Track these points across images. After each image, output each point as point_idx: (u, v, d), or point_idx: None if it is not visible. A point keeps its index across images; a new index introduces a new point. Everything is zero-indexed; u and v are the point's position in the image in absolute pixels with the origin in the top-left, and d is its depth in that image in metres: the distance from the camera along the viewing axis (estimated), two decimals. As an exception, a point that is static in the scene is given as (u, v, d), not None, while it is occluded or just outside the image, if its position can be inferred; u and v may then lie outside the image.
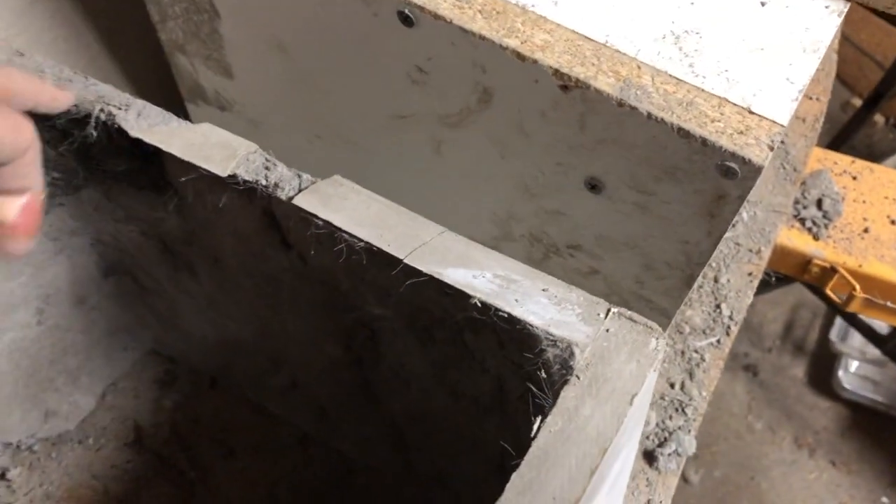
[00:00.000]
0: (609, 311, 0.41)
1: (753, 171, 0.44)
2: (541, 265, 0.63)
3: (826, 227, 0.97)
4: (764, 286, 1.62)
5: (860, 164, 1.04)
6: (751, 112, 0.45)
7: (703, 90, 0.46)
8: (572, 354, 0.40)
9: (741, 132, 0.44)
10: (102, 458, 0.73)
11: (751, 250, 0.82)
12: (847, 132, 1.76)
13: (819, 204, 0.97)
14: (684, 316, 0.78)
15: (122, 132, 0.51)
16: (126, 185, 0.60)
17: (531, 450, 0.37)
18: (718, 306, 0.79)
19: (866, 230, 0.98)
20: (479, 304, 0.42)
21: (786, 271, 1.03)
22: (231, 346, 0.71)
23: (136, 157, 0.55)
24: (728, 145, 0.44)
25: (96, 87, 0.53)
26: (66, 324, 0.69)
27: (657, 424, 0.73)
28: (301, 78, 0.61)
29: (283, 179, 0.48)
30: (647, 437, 0.72)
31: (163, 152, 0.52)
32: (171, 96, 0.76)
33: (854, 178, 1.02)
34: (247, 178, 0.48)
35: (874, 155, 2.24)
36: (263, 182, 0.48)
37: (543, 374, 0.40)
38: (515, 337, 0.43)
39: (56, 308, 0.68)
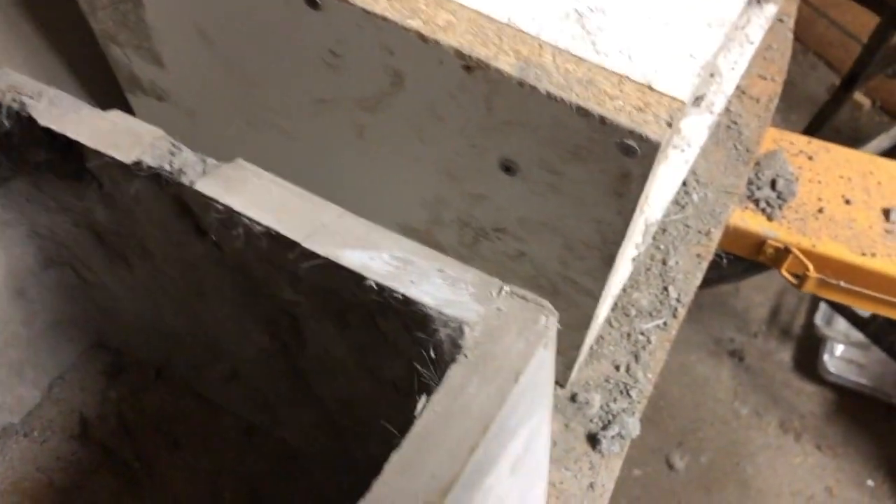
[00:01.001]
0: (502, 289, 0.41)
1: (652, 148, 0.44)
2: (472, 249, 0.63)
3: (780, 207, 0.96)
4: (721, 268, 1.62)
5: (816, 144, 1.03)
6: (651, 89, 0.45)
7: (603, 68, 0.46)
8: (462, 333, 0.40)
9: (640, 109, 0.44)
10: (48, 450, 0.73)
11: (700, 231, 0.82)
12: (825, 114, 1.75)
13: (773, 184, 0.96)
14: (630, 298, 0.78)
15: (33, 121, 0.51)
16: (51, 175, 0.59)
17: (412, 429, 0.37)
18: (666, 289, 0.79)
19: (821, 210, 0.97)
20: (374, 286, 0.42)
21: (739, 252, 1.02)
22: (170, 337, 0.71)
23: (53, 147, 0.55)
24: (626, 123, 0.44)
25: (8, 77, 0.53)
26: (5, 317, 0.69)
27: (601, 407, 0.73)
28: (225, 65, 0.61)
29: (188, 164, 0.48)
30: (591, 420, 0.72)
31: (75, 142, 0.52)
32: (113, 87, 0.76)
33: (810, 158, 1.02)
34: (151, 164, 0.48)
35: (860, 139, 2.23)
36: (167, 168, 0.48)
37: (432, 354, 0.40)
38: (412, 319, 0.43)
39: (-6, 301, 0.68)
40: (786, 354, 2.06)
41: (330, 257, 0.43)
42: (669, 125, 0.44)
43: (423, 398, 0.38)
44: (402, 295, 0.42)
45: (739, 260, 1.84)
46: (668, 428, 1.94)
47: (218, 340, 0.66)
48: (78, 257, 0.69)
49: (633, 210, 0.49)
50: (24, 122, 0.52)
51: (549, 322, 0.40)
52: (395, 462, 0.36)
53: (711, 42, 0.47)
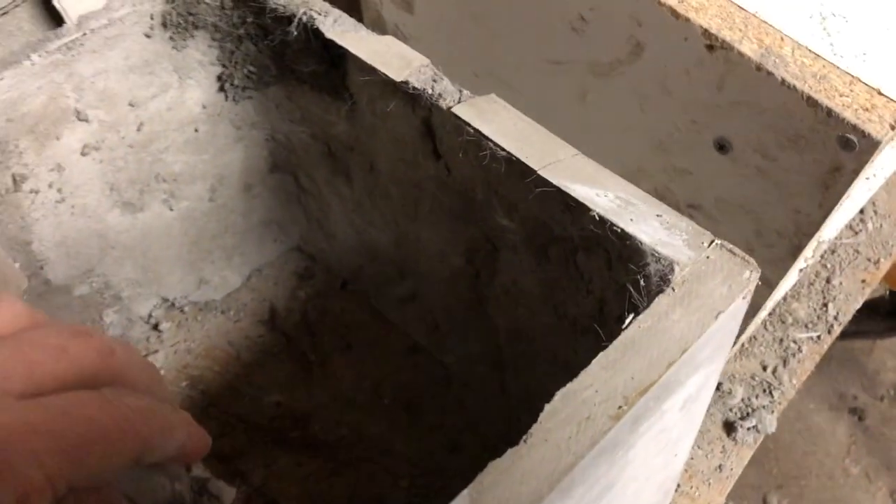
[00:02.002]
0: (713, 241, 0.47)
1: (871, 145, 0.48)
2: (659, 222, 0.68)
3: (954, 255, 0.96)
4: (859, 322, 1.60)
5: None
6: (880, 93, 0.49)
7: (837, 67, 0.50)
8: (672, 271, 0.45)
9: (866, 109, 0.48)
10: (239, 328, 0.83)
11: (869, 259, 0.84)
12: None
13: (950, 231, 0.96)
14: (789, 307, 0.81)
15: (318, 34, 0.60)
16: (308, 87, 0.68)
17: (619, 337, 0.43)
18: (826, 305, 0.81)
19: None
20: (596, 218, 0.48)
21: (903, 290, 1.02)
22: (367, 252, 0.80)
23: (323, 61, 0.64)
24: (851, 118, 0.48)
25: (302, -6, 0.62)
26: (231, 205, 0.80)
27: (742, 400, 0.76)
28: (474, 18, 0.68)
29: (446, 92, 0.55)
30: (730, 409, 0.76)
31: (347, 58, 0.61)
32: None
33: None
34: (416, 85, 0.55)
35: None
36: (429, 91, 0.55)
37: (643, 282, 0.46)
38: (624, 255, 0.49)
39: (226, 189, 0.78)
40: (910, 424, 2.00)
41: (562, 187, 0.49)
42: (892, 127, 0.48)
43: (630, 316, 0.44)
44: (622, 229, 0.47)
45: (884, 317, 1.80)
46: (772, 469, 1.92)
47: (411, 260, 0.74)
48: (303, 167, 0.78)
49: (834, 205, 0.53)
50: (309, 34, 0.61)
51: (751, 276, 0.45)
52: (602, 359, 0.42)
53: (944, 62, 0.51)
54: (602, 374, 0.42)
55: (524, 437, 0.40)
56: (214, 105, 0.72)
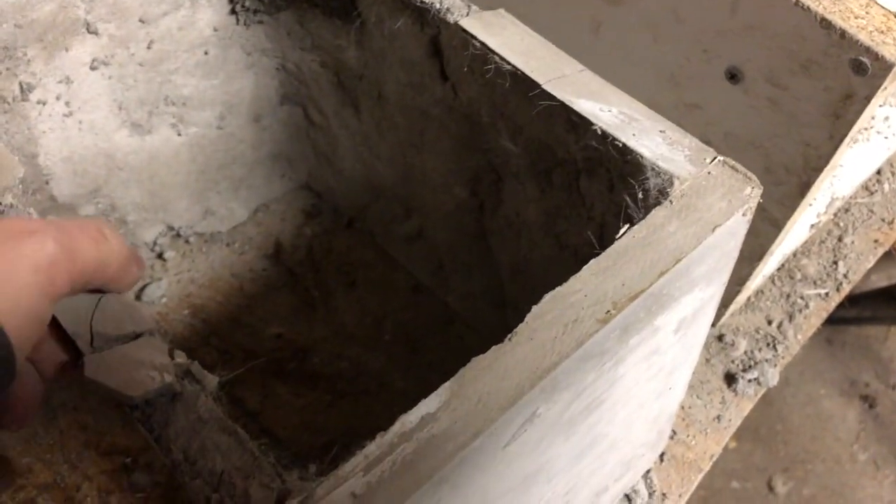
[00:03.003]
0: (716, 158, 0.46)
1: (884, 68, 0.47)
2: (667, 162, 0.67)
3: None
4: (876, 307, 1.58)
5: None
6: (896, 17, 0.48)
7: (854, -10, 0.49)
8: (671, 185, 0.45)
9: (881, 31, 0.47)
10: (244, 261, 0.83)
11: (883, 220, 0.83)
12: None
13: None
14: (798, 263, 0.80)
15: (327, -50, 0.59)
16: (320, 11, 0.68)
17: (612, 246, 0.42)
18: (836, 262, 0.80)
19: None
20: (599, 133, 0.48)
21: (917, 255, 1.01)
22: (374, 188, 0.79)
23: (333, -20, 0.63)
24: (865, 40, 0.47)
25: None
26: (240, 135, 0.79)
27: (745, 352, 0.76)
28: (489, -53, 0.67)
29: (454, 6, 0.54)
30: (732, 361, 0.75)
31: (357, -24, 0.60)
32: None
33: None
34: (424, -1, 0.55)
35: None
36: (437, 5, 0.54)
37: (640, 196, 0.45)
38: (625, 172, 0.48)
39: (235, 119, 0.78)
40: (922, 414, 1.98)
41: (565, 101, 0.49)
42: (907, 51, 0.46)
43: (626, 226, 0.43)
44: (623, 143, 0.47)
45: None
46: (778, 451, 1.90)
47: (417, 195, 0.74)
48: (313, 98, 0.78)
49: (844, 136, 0.52)
50: (319, -49, 0.61)
51: (753, 193, 0.44)
52: (593, 266, 0.42)
53: (966, -11, 0.49)
54: (592, 279, 0.41)
55: (509, 336, 0.40)
56: (226, 28, 0.71)
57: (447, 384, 0.38)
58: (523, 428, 0.40)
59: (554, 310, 0.40)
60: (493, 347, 0.40)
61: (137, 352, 0.40)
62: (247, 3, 0.70)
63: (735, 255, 0.48)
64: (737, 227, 0.44)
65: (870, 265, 0.81)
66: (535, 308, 0.41)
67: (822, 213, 0.78)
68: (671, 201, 0.44)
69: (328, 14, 0.67)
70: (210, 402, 0.38)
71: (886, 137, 0.82)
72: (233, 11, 0.70)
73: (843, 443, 1.92)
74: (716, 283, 0.48)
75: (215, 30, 0.71)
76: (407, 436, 0.36)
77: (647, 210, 0.44)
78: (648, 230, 0.43)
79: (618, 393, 0.47)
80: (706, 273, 0.46)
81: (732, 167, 0.45)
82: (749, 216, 0.45)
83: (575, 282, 0.41)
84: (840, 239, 0.82)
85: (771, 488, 1.86)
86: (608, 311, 0.40)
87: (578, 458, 0.50)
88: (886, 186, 0.85)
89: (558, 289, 0.41)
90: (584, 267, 0.42)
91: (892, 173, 0.86)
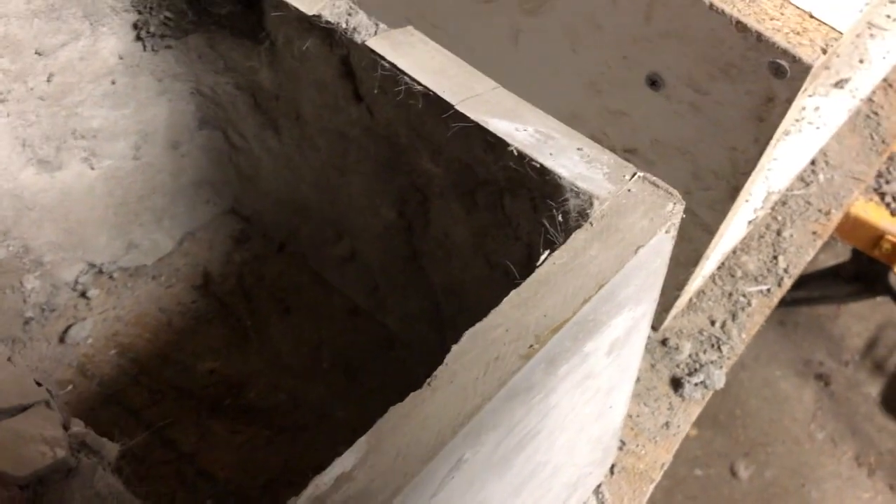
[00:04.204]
0: (635, 174, 0.44)
1: (803, 71, 0.45)
2: (597, 170, 0.65)
3: (906, 206, 0.94)
4: (825, 287, 1.60)
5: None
6: (811, 16, 0.47)
7: (768, -10, 0.48)
8: (591, 205, 0.43)
9: (797, 32, 0.46)
10: (171, 294, 0.80)
11: (820, 210, 0.82)
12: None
13: (903, 182, 0.95)
14: (738, 260, 0.79)
15: (228, -29, 0.57)
16: (228, 32, 0.65)
17: (533, 275, 0.40)
18: (776, 257, 0.79)
19: (949, 216, 0.95)
20: (515, 153, 0.45)
21: (855, 243, 1.01)
22: (300, 211, 0.76)
23: (238, 1, 0.60)
24: (782, 42, 0.45)
25: (213, -71, 0.58)
26: (158, 164, 0.76)
27: (689, 355, 0.74)
28: (401, -42, 0.65)
29: (362, 25, 0.52)
30: (677, 365, 0.74)
31: (262, -4, 0.57)
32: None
33: (948, 166, 0.99)
34: (330, 18, 0.52)
35: None
36: (343, 25, 0.52)
37: (560, 218, 0.43)
38: (545, 192, 0.46)
39: (152, 147, 0.75)
40: (874, 388, 2.00)
41: (479, 122, 0.46)
42: (824, 51, 0.45)
43: (546, 252, 0.42)
44: (540, 164, 0.45)
45: (847, 281, 1.80)
46: (738, 436, 1.92)
47: (345, 217, 0.71)
48: (231, 121, 0.75)
49: (769, 139, 0.50)
50: (220, -28, 0.58)
51: (675, 209, 0.42)
52: (513, 298, 0.39)
53: (880, -16, 0.48)
54: (513, 312, 0.39)
55: (428, 380, 0.38)
56: (132, 55, 0.68)
57: (363, 438, 0.36)
58: (450, 475, 0.38)
59: (474, 349, 0.38)
60: (412, 395, 0.37)
61: (25, 425, 0.37)
62: (152, 29, 0.66)
63: (663, 271, 0.46)
64: (661, 245, 0.43)
65: (809, 258, 0.80)
66: (454, 347, 0.38)
67: (759, 207, 0.77)
68: (591, 223, 0.42)
69: (237, 35, 0.64)
70: (109, 475, 0.36)
71: (818, 128, 0.81)
72: (138, 38, 0.67)
73: (800, 423, 1.94)
74: (645, 301, 0.46)
75: (121, 58, 0.67)
76: (321, 500, 0.34)
77: (568, 233, 0.42)
78: (569, 255, 0.41)
79: (553, 422, 0.46)
80: (634, 293, 0.44)
81: (653, 183, 0.43)
82: (673, 233, 0.43)
83: (495, 316, 0.39)
84: (779, 233, 0.81)
85: (734, 473, 1.87)
86: (531, 346, 0.38)
87: (518, 491, 0.48)
88: (822, 177, 0.84)
89: (478, 325, 0.39)
90: (504, 299, 0.40)
91: (826, 163, 0.85)
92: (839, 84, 0.83)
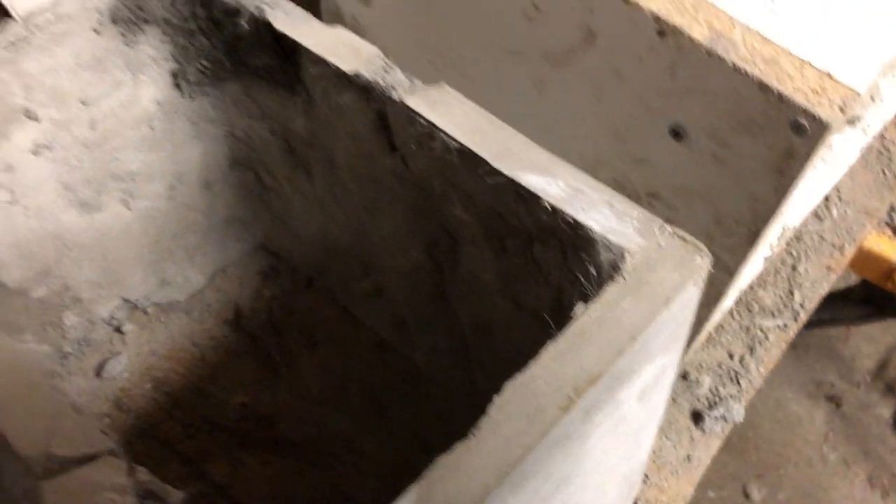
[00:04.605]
0: (664, 227, 0.46)
1: (822, 128, 0.47)
2: (620, 212, 0.67)
3: (918, 239, 0.96)
4: (835, 310, 1.61)
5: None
6: (830, 77, 0.49)
7: (788, 51, 0.50)
8: (623, 259, 0.45)
9: (816, 92, 0.48)
10: (204, 329, 0.82)
11: (834, 245, 0.84)
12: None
13: (915, 216, 0.97)
14: (755, 295, 0.81)
15: (268, 27, 0.59)
16: (264, 82, 0.68)
17: (569, 328, 0.43)
18: (791, 292, 0.81)
19: (960, 249, 0.97)
20: (548, 207, 0.48)
21: (868, 276, 1.03)
22: (330, 249, 0.79)
23: (276, 54, 0.63)
24: (802, 102, 0.48)
25: (252, -13, 0.61)
26: (192, 203, 0.79)
27: (710, 389, 0.76)
28: (429, 8, 0.68)
29: (398, 82, 0.54)
30: (698, 399, 0.76)
31: (299, 50, 0.60)
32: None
33: (959, 200, 1.01)
34: (367, 76, 0.55)
35: None
36: (381, 82, 0.54)
37: (594, 271, 0.45)
38: (577, 243, 0.48)
39: (186, 188, 0.77)
40: (886, 410, 2.01)
41: (513, 177, 0.49)
42: (842, 111, 0.47)
43: (580, 305, 0.44)
44: (573, 218, 0.47)
45: (857, 304, 1.81)
46: (751, 458, 1.93)
47: (374, 256, 0.73)
48: (264, 163, 0.77)
49: (789, 189, 0.53)
50: (259, 27, 0.60)
51: (703, 263, 0.45)
52: (551, 350, 0.42)
53: (894, 45, 0.51)
54: (551, 364, 0.41)
55: (472, 431, 0.40)
56: (170, 102, 0.70)
57: (414, 488, 0.38)
58: (492, 521, 0.40)
59: (516, 400, 0.40)
60: (458, 445, 0.39)
61: (96, 474, 0.39)
62: (189, 77, 0.69)
63: (691, 320, 0.48)
64: (689, 297, 0.45)
65: (824, 292, 0.82)
66: (496, 399, 0.41)
67: (775, 244, 0.79)
68: (624, 276, 0.44)
69: (273, 85, 0.67)
70: (174, 522, 0.38)
71: (832, 165, 0.84)
72: (176, 85, 0.70)
73: (812, 444, 1.95)
74: (674, 349, 0.48)
75: (159, 104, 0.70)
76: (376, 547, 0.36)
77: (601, 285, 0.45)
78: (603, 308, 0.43)
79: (586, 466, 0.48)
80: (664, 343, 0.46)
81: (681, 237, 0.46)
82: (701, 285, 0.45)
83: (535, 369, 0.41)
84: (794, 268, 0.83)
85: (747, 495, 1.88)
86: (570, 398, 0.40)
87: (551, 530, 0.50)
88: (835, 212, 0.86)
89: (518, 377, 0.41)
90: (542, 351, 0.42)
91: (840, 199, 0.87)
92: (852, 122, 0.86)
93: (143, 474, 0.39)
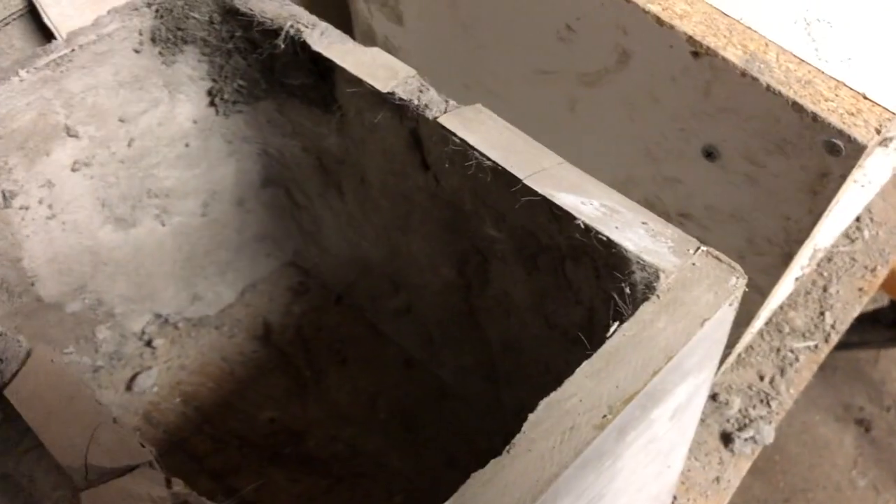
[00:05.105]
0: (699, 248, 0.46)
1: (857, 149, 0.47)
2: (651, 232, 0.67)
3: (952, 262, 0.95)
4: (864, 333, 1.59)
5: None
6: (865, 97, 0.49)
7: (822, 72, 0.50)
8: (658, 278, 0.45)
9: (852, 113, 0.48)
10: (233, 344, 0.83)
11: (866, 267, 0.83)
12: None
13: (948, 239, 0.96)
14: (786, 316, 0.80)
15: (305, 47, 0.60)
16: (298, 100, 0.69)
17: (604, 346, 0.43)
18: (823, 313, 0.81)
19: None
20: (582, 226, 0.48)
21: (900, 298, 1.02)
22: (360, 265, 0.79)
23: (312, 73, 0.64)
24: (837, 123, 0.48)
25: (290, 7, 0.62)
26: (224, 220, 0.80)
27: (739, 410, 0.76)
28: (463, 29, 0.69)
29: (433, 102, 0.55)
30: (727, 420, 0.75)
31: (335, 70, 0.61)
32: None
33: None
34: (403, 96, 0.55)
35: None
36: (416, 102, 0.55)
37: (628, 290, 0.45)
38: (610, 262, 0.48)
39: (219, 204, 0.78)
40: (917, 435, 1.98)
41: (547, 196, 0.49)
42: (878, 132, 0.47)
43: (615, 324, 0.44)
44: (607, 237, 0.47)
45: (887, 327, 1.79)
46: (778, 482, 1.90)
47: (404, 273, 0.74)
48: (296, 180, 0.78)
49: (824, 210, 0.53)
50: (296, 47, 0.61)
51: (738, 283, 0.45)
52: (586, 368, 0.42)
53: (931, 66, 0.51)
54: (586, 382, 0.41)
55: (507, 448, 0.40)
56: (205, 120, 0.72)
57: (449, 502, 0.38)
58: (526, 539, 0.40)
59: (550, 418, 0.40)
60: (493, 462, 0.39)
61: (134, 485, 0.39)
62: (225, 95, 0.70)
63: (724, 340, 0.48)
64: (724, 317, 0.45)
65: (856, 314, 0.82)
66: (531, 416, 0.41)
67: (806, 265, 0.78)
68: (658, 296, 0.44)
69: (307, 104, 0.68)
70: (211, 534, 0.38)
71: (863, 186, 0.83)
72: (212, 103, 0.71)
73: (841, 469, 1.92)
74: (707, 368, 0.48)
75: (195, 122, 0.71)
76: (411, 563, 0.36)
77: (635, 304, 0.45)
78: (638, 327, 0.43)
79: (617, 485, 0.47)
80: (697, 363, 0.46)
81: (716, 257, 0.46)
82: (735, 305, 0.45)
83: (569, 387, 0.41)
84: (825, 289, 0.82)
85: (773, 519, 1.85)
86: (605, 416, 0.40)
87: (582, 550, 0.50)
88: (867, 233, 0.86)
89: (553, 395, 0.41)
90: (578, 370, 0.42)
91: (871, 220, 0.87)
92: (884, 143, 0.85)
93: (178, 485, 0.40)
